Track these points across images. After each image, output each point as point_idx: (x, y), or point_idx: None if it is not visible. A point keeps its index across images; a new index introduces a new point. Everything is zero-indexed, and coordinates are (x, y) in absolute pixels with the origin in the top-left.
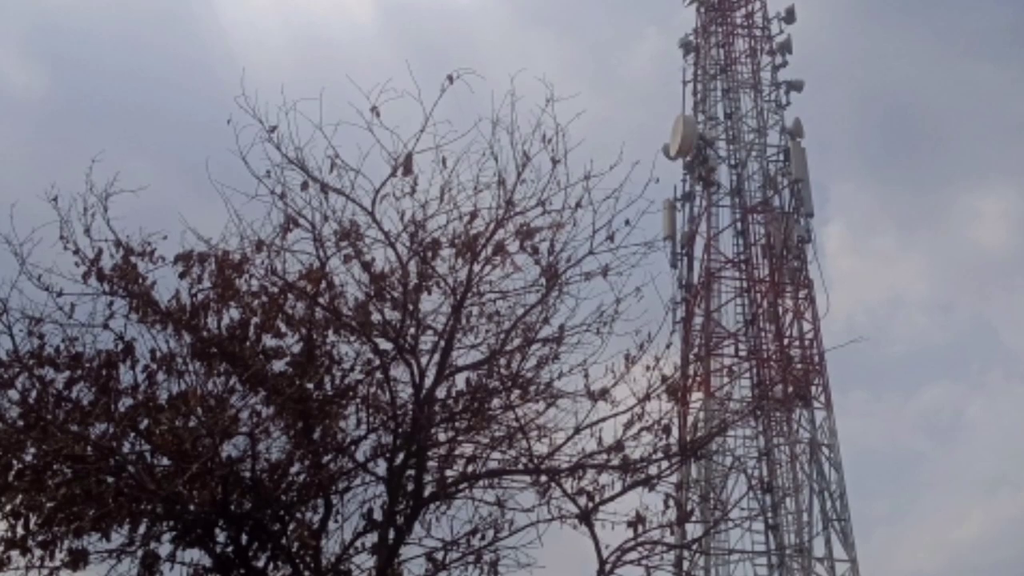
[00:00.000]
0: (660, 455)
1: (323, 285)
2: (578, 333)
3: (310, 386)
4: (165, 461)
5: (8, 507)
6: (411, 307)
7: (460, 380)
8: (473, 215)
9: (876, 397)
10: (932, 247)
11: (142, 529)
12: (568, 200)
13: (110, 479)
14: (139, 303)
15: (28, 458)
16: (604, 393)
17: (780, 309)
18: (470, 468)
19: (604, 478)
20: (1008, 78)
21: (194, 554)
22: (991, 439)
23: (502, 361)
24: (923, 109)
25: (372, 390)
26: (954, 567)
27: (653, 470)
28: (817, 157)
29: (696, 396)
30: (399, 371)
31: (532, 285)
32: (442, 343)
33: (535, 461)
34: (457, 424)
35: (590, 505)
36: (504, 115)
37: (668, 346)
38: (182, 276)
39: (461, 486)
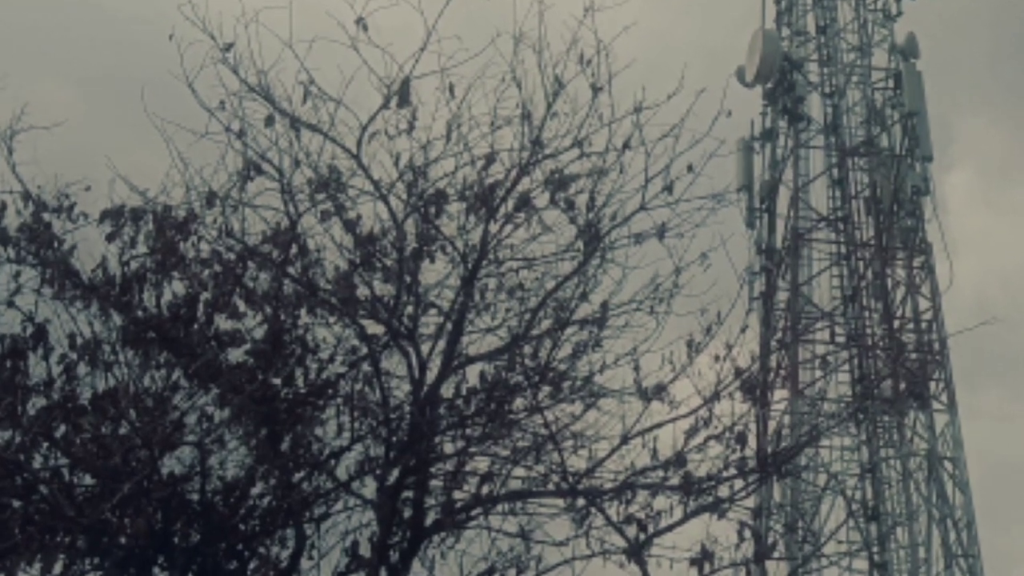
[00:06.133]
0: (733, 471)
1: (294, 250)
2: (626, 313)
3: (277, 381)
4: (88, 479)
5: None
6: (409, 279)
7: (473, 374)
8: (489, 159)
9: (1014, 396)
10: None
11: (58, 568)
12: (613, 140)
13: (16, 503)
14: (54, 273)
15: None
16: (660, 391)
17: (889, 281)
18: (485, 489)
19: (660, 501)
20: None
21: None
22: None
23: (527, 349)
24: None
25: (358, 387)
26: None
27: (724, 491)
28: (937, 84)
29: (780, 395)
30: (393, 362)
31: (566, 250)
32: (449, 326)
33: (570, 479)
34: (469, 431)
35: (642, 537)
36: (530, 29)
37: (743, 330)
38: (110, 239)
39: (474, 512)
